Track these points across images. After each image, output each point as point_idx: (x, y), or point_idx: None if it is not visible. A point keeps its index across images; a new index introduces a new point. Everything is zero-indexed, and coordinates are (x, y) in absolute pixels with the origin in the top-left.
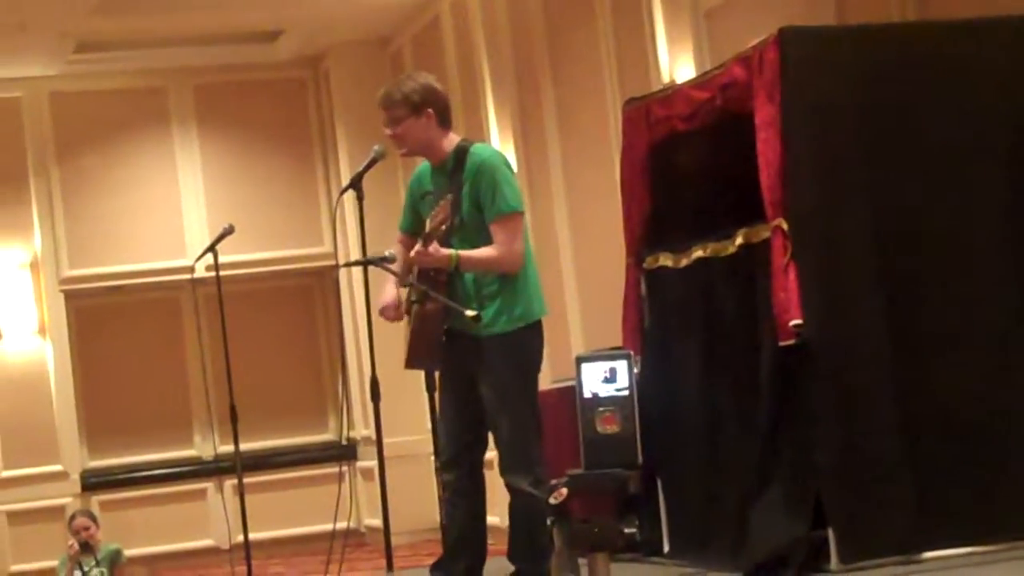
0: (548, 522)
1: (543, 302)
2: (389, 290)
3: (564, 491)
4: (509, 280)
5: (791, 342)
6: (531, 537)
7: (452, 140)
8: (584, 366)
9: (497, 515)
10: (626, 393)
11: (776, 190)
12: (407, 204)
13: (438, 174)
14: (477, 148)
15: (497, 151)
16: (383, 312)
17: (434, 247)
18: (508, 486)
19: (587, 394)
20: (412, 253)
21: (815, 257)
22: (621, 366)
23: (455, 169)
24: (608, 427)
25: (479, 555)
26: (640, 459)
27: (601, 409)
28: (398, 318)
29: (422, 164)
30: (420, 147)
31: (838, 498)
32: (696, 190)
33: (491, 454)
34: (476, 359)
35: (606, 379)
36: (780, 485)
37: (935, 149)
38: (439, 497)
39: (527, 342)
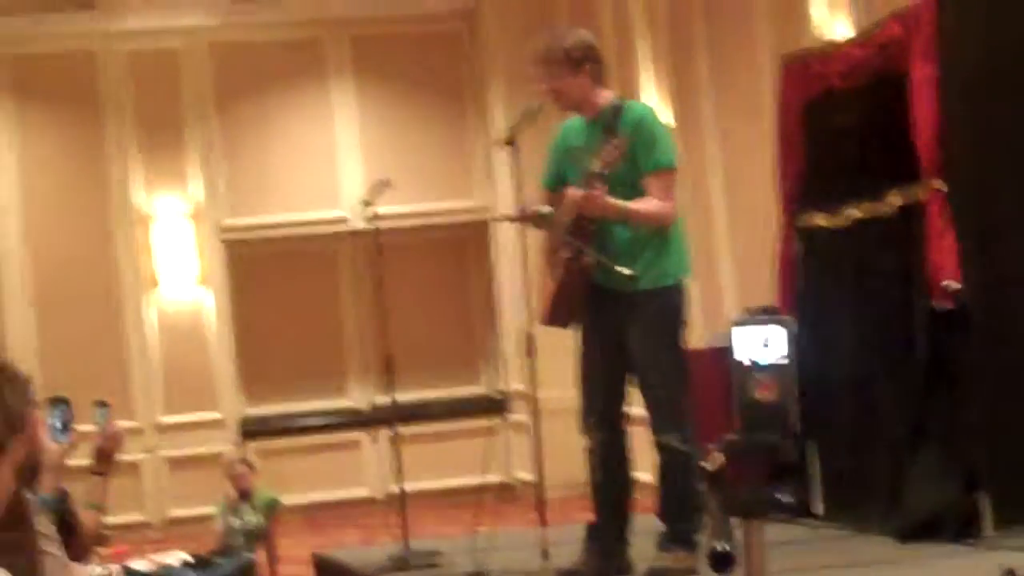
0: (701, 485)
1: (689, 262)
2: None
3: (720, 457)
4: (661, 236)
5: (947, 305)
6: (682, 495)
7: (606, 96)
8: (737, 331)
9: (641, 470)
10: (786, 361)
11: (932, 150)
12: (551, 161)
13: (591, 129)
14: (634, 104)
15: (652, 108)
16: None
17: (601, 191)
18: (658, 444)
19: (742, 359)
20: (576, 197)
21: (973, 218)
22: (779, 333)
23: (610, 124)
24: (765, 394)
25: (628, 516)
26: (798, 428)
27: (757, 375)
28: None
29: (568, 120)
30: (575, 103)
31: (992, 462)
32: (852, 148)
33: (636, 412)
34: (625, 316)
35: (762, 345)
36: (934, 448)
37: None
38: (588, 454)
39: (676, 299)
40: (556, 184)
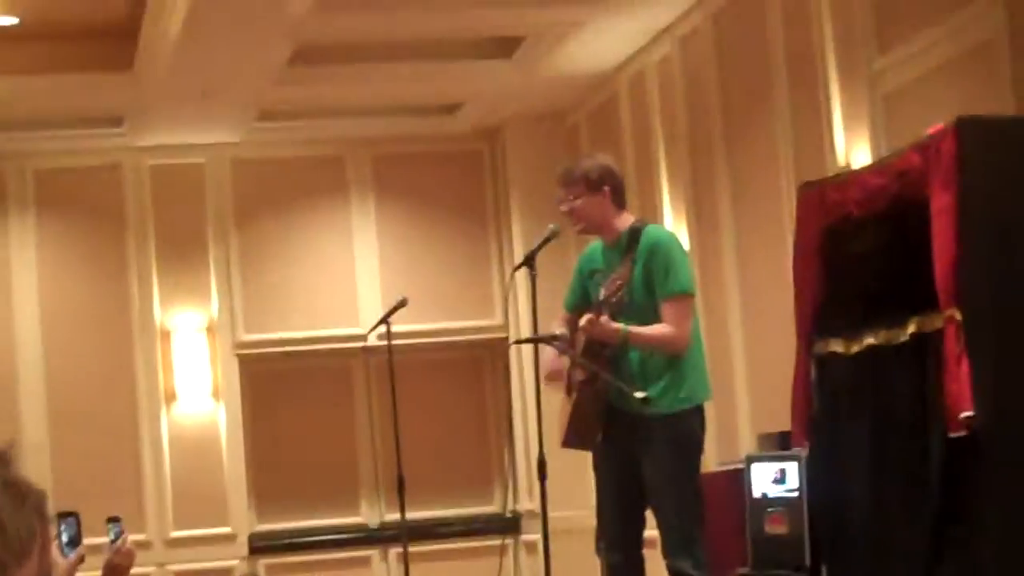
0: None
1: (708, 386)
2: (551, 354)
3: None
4: (676, 361)
5: (962, 434)
6: None
7: (626, 220)
8: (754, 466)
9: None
10: (796, 495)
11: (949, 279)
12: (574, 283)
13: (610, 253)
14: (651, 228)
15: (671, 233)
16: (550, 376)
17: (605, 318)
18: (670, 569)
19: (756, 494)
20: (582, 322)
21: (989, 349)
22: (791, 467)
23: (628, 248)
24: (776, 528)
25: None
26: (808, 561)
27: (770, 510)
28: (560, 380)
29: (593, 243)
30: (594, 225)
31: None
32: (869, 276)
33: (650, 533)
34: (638, 439)
35: (776, 480)
36: None
37: None
38: None
39: (691, 424)
40: (577, 306)
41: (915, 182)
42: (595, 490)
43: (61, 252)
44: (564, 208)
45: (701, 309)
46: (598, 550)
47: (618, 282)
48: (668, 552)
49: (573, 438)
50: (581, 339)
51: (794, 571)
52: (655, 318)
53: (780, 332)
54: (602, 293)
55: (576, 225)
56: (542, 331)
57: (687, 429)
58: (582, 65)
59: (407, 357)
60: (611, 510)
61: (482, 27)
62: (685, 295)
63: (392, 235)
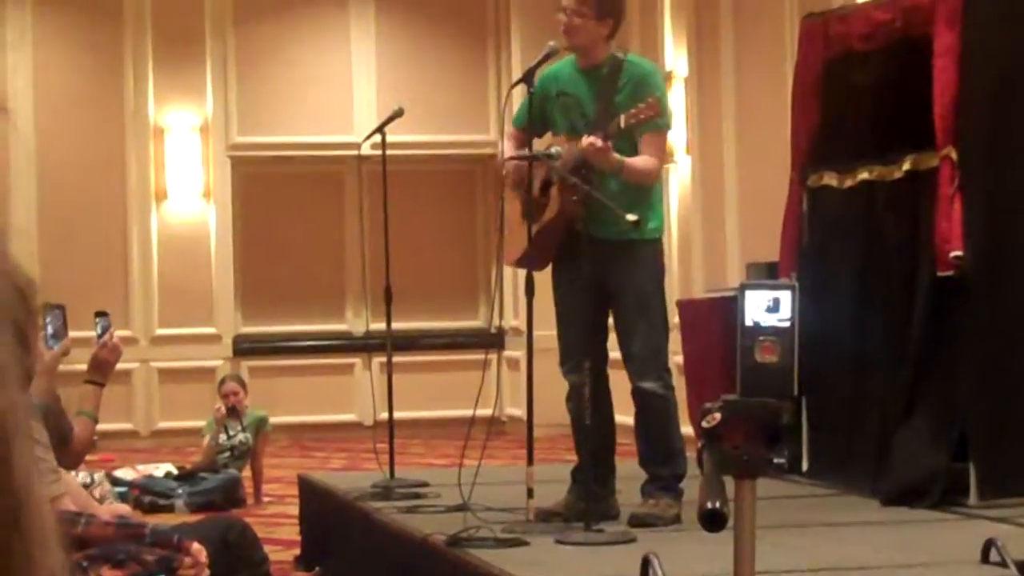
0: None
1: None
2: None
3: (717, 416)
4: (648, 192)
5: (949, 273)
6: (664, 441)
7: (607, 47)
8: (748, 293)
9: (622, 414)
10: (788, 324)
11: (948, 118)
12: (531, 101)
13: (586, 77)
14: (636, 58)
15: (656, 66)
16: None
17: (608, 144)
18: (640, 391)
19: (748, 322)
20: (586, 144)
21: (982, 190)
22: (785, 296)
23: (609, 76)
24: (767, 357)
25: (612, 461)
26: (796, 391)
27: (761, 338)
28: (516, 182)
29: (557, 64)
30: (583, 46)
31: (982, 433)
32: (867, 111)
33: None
34: (613, 264)
35: (768, 308)
36: (925, 415)
37: None
38: (568, 399)
39: (659, 252)
40: (530, 124)
41: (920, 19)
42: (558, 313)
43: (58, 45)
44: (563, 19)
45: (697, 136)
46: (566, 372)
47: (649, 112)
48: (637, 374)
49: (531, 258)
50: (568, 160)
51: (781, 399)
52: (629, 147)
53: (774, 162)
54: (622, 120)
55: (567, 38)
56: (537, 150)
57: (658, 257)
58: None
59: (400, 168)
60: (580, 332)
61: None
62: (667, 129)
63: (391, 44)
